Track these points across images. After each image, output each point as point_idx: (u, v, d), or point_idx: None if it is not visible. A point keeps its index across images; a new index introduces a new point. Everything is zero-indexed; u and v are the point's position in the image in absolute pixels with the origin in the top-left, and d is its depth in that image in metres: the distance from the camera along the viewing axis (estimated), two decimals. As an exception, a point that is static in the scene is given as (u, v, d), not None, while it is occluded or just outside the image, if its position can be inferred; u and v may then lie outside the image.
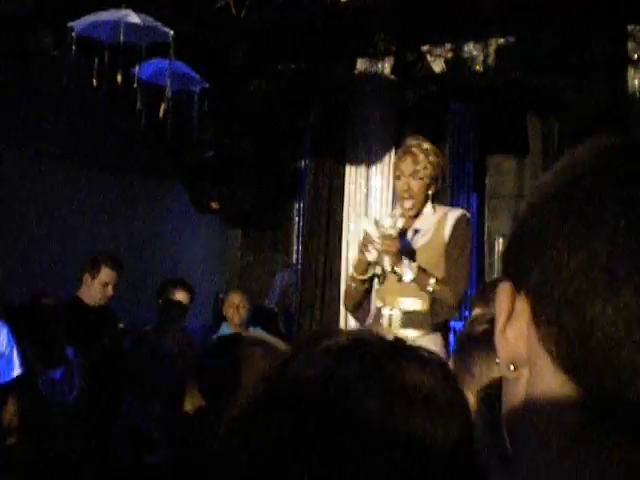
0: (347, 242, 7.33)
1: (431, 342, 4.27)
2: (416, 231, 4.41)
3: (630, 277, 0.67)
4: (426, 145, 4.45)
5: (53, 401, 4.71)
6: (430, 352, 0.94)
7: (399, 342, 0.94)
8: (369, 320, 4.61)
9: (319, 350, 0.90)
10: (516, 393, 0.77)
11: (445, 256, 4.34)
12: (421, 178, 4.35)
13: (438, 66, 6.81)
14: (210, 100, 6.49)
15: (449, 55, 6.75)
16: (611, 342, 0.67)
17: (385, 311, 4.41)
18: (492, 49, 6.58)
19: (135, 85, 5.73)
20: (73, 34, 5.36)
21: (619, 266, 0.67)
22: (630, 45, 6.41)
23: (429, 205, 4.44)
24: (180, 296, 6.33)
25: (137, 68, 5.74)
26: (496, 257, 7.65)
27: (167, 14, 5.91)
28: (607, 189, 0.70)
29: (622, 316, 0.67)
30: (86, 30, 5.43)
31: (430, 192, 4.41)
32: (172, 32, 5.31)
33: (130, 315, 6.94)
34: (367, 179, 7.29)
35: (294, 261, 8.34)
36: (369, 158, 7.28)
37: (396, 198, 4.83)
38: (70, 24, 5.34)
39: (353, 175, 7.33)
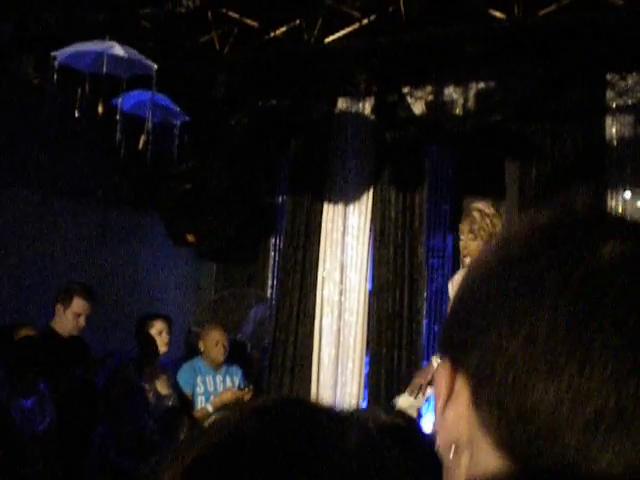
0: (322, 279, 7.33)
1: None
2: None
3: (571, 359, 0.67)
4: (487, 209, 5.01)
5: (23, 429, 4.67)
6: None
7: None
8: None
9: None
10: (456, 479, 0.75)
11: None
12: (476, 238, 4.88)
13: (418, 108, 6.85)
14: (190, 133, 6.50)
15: (429, 97, 6.79)
16: (555, 424, 0.68)
17: None
18: (472, 93, 6.63)
19: (117, 116, 5.72)
20: (55, 63, 5.36)
21: (560, 348, 0.68)
22: (609, 94, 6.48)
23: None
24: (160, 326, 6.30)
25: (119, 99, 5.74)
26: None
27: (150, 47, 5.93)
28: (544, 271, 0.71)
29: (565, 398, 0.67)
30: (68, 59, 5.43)
31: None
32: (155, 65, 5.32)
33: (104, 346, 6.89)
34: (344, 217, 7.31)
35: (269, 296, 8.32)
36: (347, 197, 7.30)
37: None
38: (53, 53, 5.34)
39: (330, 213, 7.35)
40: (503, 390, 0.70)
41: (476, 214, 5.04)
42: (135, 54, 5.34)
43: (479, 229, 4.96)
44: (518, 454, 0.69)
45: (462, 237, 5.08)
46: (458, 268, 8.26)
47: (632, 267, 0.71)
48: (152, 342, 6.20)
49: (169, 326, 6.36)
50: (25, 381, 4.89)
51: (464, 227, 5.08)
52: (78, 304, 5.87)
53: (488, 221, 4.97)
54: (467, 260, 5.07)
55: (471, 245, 4.96)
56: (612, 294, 0.69)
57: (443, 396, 0.76)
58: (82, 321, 5.92)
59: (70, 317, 5.86)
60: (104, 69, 5.27)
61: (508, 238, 0.78)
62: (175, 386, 6.34)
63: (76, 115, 5.36)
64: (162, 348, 6.25)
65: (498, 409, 0.70)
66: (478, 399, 0.72)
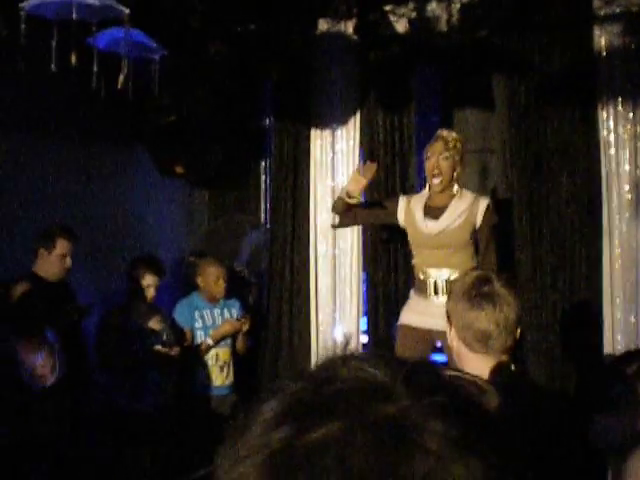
0: (315, 205, 7.27)
1: None
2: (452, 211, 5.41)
3: None
4: (454, 134, 5.54)
5: (34, 388, 4.68)
6: None
7: None
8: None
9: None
10: None
11: (480, 236, 5.40)
12: (448, 158, 5.39)
13: (401, 26, 6.67)
14: (170, 66, 6.35)
15: (412, 15, 6.61)
16: None
17: (430, 280, 5.49)
18: (456, 8, 6.45)
19: (93, 56, 5.57)
20: (22, 13, 5.18)
21: None
22: (595, 3, 6.31)
23: (455, 185, 5.46)
24: (149, 280, 6.30)
25: (93, 38, 5.58)
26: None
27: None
28: (302, 460, 0.71)
29: None
30: (36, 9, 5.24)
31: (455, 173, 5.43)
32: (127, 10, 5.14)
33: (97, 286, 6.89)
34: (332, 142, 7.20)
35: (262, 220, 8.28)
36: (334, 120, 7.17)
37: (426, 174, 5.56)
38: (21, 4, 5.17)
39: (318, 138, 7.24)
40: None
41: (447, 135, 5.50)
42: (106, 0, 5.15)
43: (453, 149, 5.42)
44: None
45: (432, 158, 5.45)
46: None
47: (334, 452, 0.70)
48: (140, 290, 6.21)
49: (159, 278, 6.33)
50: (33, 336, 4.85)
51: (437, 147, 5.46)
52: (62, 245, 5.83)
53: (459, 145, 5.47)
54: (436, 180, 5.44)
55: (444, 165, 5.41)
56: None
57: None
58: (68, 262, 5.89)
59: (56, 260, 5.82)
60: (73, 15, 5.10)
61: (266, 406, 0.79)
62: (170, 321, 6.38)
63: (53, 68, 5.19)
64: (150, 296, 6.26)
65: None
66: None
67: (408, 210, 5.63)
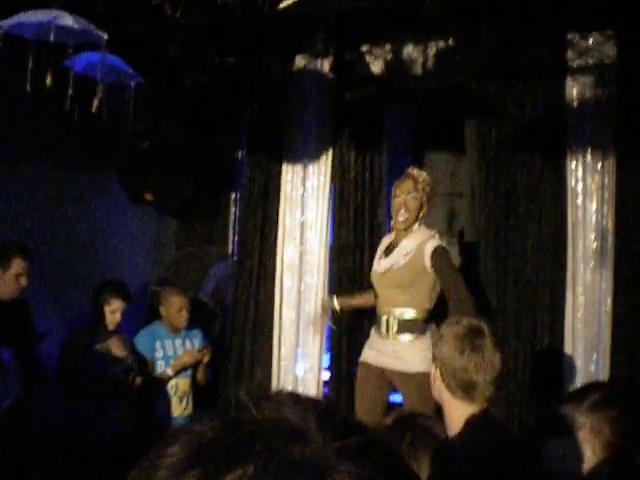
0: (283, 239, 7.27)
1: (422, 344, 5.34)
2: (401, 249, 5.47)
3: None
4: (424, 175, 5.61)
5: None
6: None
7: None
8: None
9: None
10: None
11: (439, 280, 5.35)
12: (416, 198, 5.46)
13: (377, 67, 6.73)
14: (145, 94, 6.36)
15: (389, 56, 6.67)
16: None
17: (383, 318, 5.54)
18: (432, 52, 6.53)
19: (68, 78, 5.57)
20: (0, 32, 5.17)
21: None
22: (569, 54, 6.40)
23: (416, 225, 5.52)
24: (116, 305, 6.24)
25: (70, 61, 5.58)
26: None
27: (99, 11, 5.76)
28: None
29: None
30: (15, 28, 5.24)
31: (421, 213, 5.51)
32: (105, 36, 5.15)
33: (62, 308, 6.84)
34: (304, 177, 7.22)
35: (230, 252, 8.28)
36: (306, 157, 7.20)
37: (392, 212, 5.65)
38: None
39: (289, 174, 7.25)
40: None
41: (417, 175, 5.59)
42: (85, 24, 5.16)
43: (422, 190, 5.50)
44: None
45: (400, 196, 5.52)
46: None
47: None
48: (105, 317, 6.17)
49: (125, 306, 6.27)
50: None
51: (405, 186, 5.54)
52: (18, 265, 5.76)
53: (427, 187, 5.55)
54: (401, 218, 5.50)
55: (411, 204, 5.47)
56: None
57: None
58: (24, 281, 5.81)
59: (11, 279, 5.75)
60: (51, 38, 5.11)
61: (170, 446, 0.77)
62: (132, 349, 6.34)
63: (28, 89, 5.18)
64: (111, 325, 6.20)
65: None
66: None
67: (379, 247, 5.86)
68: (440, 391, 3.10)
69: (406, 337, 5.42)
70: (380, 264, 5.62)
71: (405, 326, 5.45)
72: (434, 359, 3.14)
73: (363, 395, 5.66)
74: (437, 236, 5.57)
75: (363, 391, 5.61)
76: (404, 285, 5.44)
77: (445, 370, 3.05)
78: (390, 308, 5.53)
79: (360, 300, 6.15)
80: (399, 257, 5.47)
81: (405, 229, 5.53)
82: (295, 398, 0.81)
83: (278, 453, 0.72)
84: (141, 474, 0.77)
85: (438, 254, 5.35)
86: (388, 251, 5.62)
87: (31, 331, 5.95)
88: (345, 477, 0.70)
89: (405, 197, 5.49)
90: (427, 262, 5.36)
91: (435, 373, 3.11)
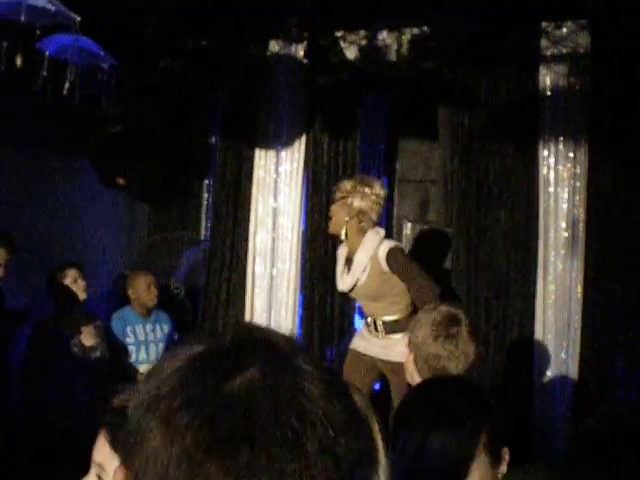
0: (255, 225, 7.25)
1: None
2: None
3: None
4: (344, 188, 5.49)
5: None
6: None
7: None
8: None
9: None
10: None
11: (400, 277, 5.28)
12: (337, 203, 5.49)
13: (351, 53, 6.72)
14: (118, 76, 6.32)
15: (363, 42, 6.66)
16: None
17: (370, 320, 5.58)
18: (406, 39, 6.52)
19: (42, 60, 5.52)
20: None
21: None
22: (543, 42, 6.42)
23: (367, 233, 5.42)
24: (73, 274, 6.11)
25: (42, 42, 5.52)
26: (404, 240, 7.68)
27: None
28: (176, 411, 0.85)
29: None
30: (-16, 9, 5.19)
31: (356, 222, 5.40)
32: (78, 18, 5.11)
33: (31, 293, 6.79)
34: (277, 163, 7.20)
35: (202, 238, 8.25)
36: (279, 142, 7.18)
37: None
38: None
39: (262, 159, 7.23)
40: None
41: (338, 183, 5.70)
42: (59, 6, 5.10)
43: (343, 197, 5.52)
44: None
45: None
46: (390, 213, 8.28)
47: (264, 394, 0.85)
48: (68, 292, 6.05)
49: (82, 272, 6.17)
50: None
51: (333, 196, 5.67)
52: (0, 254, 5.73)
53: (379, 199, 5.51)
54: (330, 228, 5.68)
55: (332, 209, 5.64)
56: (239, 424, 0.83)
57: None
58: (1, 272, 5.77)
59: None
60: (22, 18, 5.06)
61: (163, 371, 0.90)
62: (106, 334, 6.28)
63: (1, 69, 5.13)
64: (81, 295, 6.09)
65: None
66: None
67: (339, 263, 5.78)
68: (412, 376, 3.10)
69: (396, 335, 5.43)
70: (344, 281, 5.59)
71: (392, 327, 5.49)
72: (409, 344, 3.15)
73: (350, 381, 5.66)
74: (382, 233, 5.53)
75: (350, 377, 5.62)
76: (376, 297, 5.48)
77: (419, 355, 3.06)
78: (373, 312, 5.58)
79: None
80: (358, 273, 5.45)
81: (342, 236, 5.56)
82: (284, 334, 0.99)
83: (279, 358, 0.90)
84: (144, 396, 0.90)
85: (391, 256, 5.31)
86: (349, 264, 5.57)
87: (5, 316, 5.90)
88: (312, 370, 0.90)
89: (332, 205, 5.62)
90: (383, 265, 5.34)
91: (409, 357, 3.11)
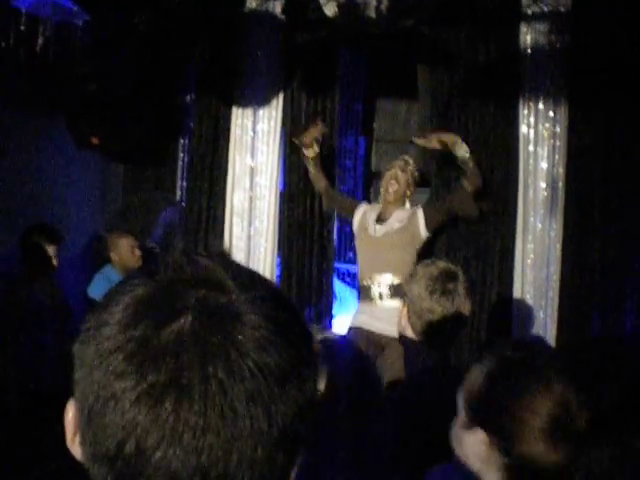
0: (232, 184, 7.19)
1: None
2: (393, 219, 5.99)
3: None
4: (412, 162, 6.26)
5: None
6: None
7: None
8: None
9: None
10: None
11: (445, 208, 6.12)
12: (405, 173, 6.11)
13: (330, 10, 6.62)
14: (92, 34, 6.21)
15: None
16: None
17: (374, 288, 5.78)
18: (386, -4, 6.43)
19: (14, 17, 5.41)
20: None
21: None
22: (524, 0, 6.37)
23: (407, 203, 6.16)
24: (51, 251, 6.07)
25: (15, -1, 5.41)
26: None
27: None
28: (115, 352, 0.88)
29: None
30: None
31: (409, 191, 6.14)
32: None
33: (5, 258, 6.69)
34: (254, 121, 7.12)
35: (178, 198, 8.16)
36: (256, 100, 7.09)
37: (382, 185, 6.25)
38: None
39: (239, 117, 7.15)
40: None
41: (407, 159, 6.30)
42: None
43: (410, 173, 6.22)
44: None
45: (392, 169, 6.17)
46: (370, 170, 8.23)
47: (192, 345, 0.85)
48: (42, 253, 5.97)
49: (56, 246, 6.10)
50: None
51: (398, 162, 6.21)
52: None
53: (416, 172, 6.27)
54: (392, 189, 6.14)
55: (401, 177, 6.14)
56: (166, 377, 0.84)
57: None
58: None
59: None
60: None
61: (111, 308, 0.91)
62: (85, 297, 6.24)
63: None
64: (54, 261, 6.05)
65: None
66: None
67: (363, 218, 6.13)
68: (404, 329, 3.07)
69: (397, 302, 5.41)
70: (376, 229, 5.96)
71: (396, 291, 5.58)
72: (404, 296, 3.12)
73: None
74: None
75: None
76: (400, 246, 5.82)
77: (412, 309, 3.02)
78: (374, 274, 5.80)
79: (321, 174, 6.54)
80: (395, 222, 5.94)
81: (394, 201, 6.07)
82: (218, 258, 0.99)
83: (209, 304, 0.89)
84: (89, 333, 0.91)
85: (429, 211, 6.03)
86: (380, 220, 6.03)
87: None
88: (253, 318, 0.89)
89: (396, 171, 6.11)
90: (422, 229, 5.93)
91: (402, 311, 3.08)
